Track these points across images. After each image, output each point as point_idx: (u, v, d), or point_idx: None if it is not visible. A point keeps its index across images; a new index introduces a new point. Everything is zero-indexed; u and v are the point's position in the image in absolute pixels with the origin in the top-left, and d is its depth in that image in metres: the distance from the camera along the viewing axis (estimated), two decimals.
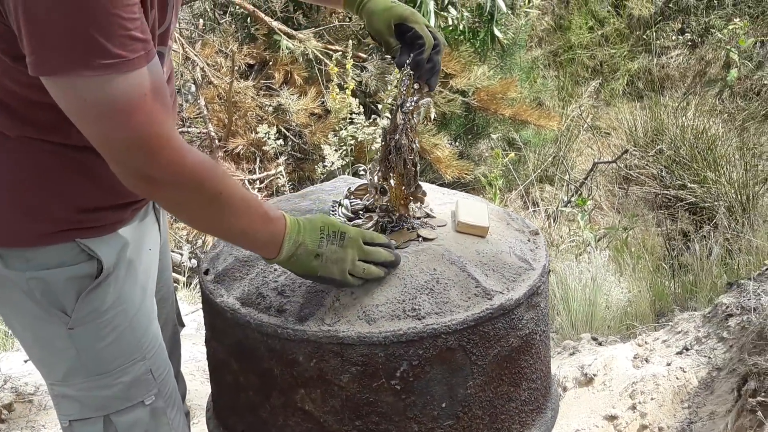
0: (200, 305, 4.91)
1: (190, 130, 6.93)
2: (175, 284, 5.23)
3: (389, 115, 5.11)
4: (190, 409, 3.01)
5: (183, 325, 2.09)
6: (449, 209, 1.91)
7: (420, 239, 1.79)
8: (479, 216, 1.84)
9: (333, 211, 1.86)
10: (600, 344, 3.32)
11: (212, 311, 1.81)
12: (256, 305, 1.71)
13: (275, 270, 1.74)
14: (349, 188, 1.92)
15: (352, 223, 1.80)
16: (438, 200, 1.95)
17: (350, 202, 1.86)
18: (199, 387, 3.24)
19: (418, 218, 1.85)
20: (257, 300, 1.72)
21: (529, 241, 1.91)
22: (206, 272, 1.87)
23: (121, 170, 1.42)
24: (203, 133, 6.63)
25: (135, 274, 1.68)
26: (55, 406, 1.73)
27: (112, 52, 1.29)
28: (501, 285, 1.73)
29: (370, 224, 1.79)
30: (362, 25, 6.76)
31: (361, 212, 1.83)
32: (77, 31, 1.27)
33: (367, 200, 1.85)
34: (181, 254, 5.47)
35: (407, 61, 1.72)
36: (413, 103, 1.72)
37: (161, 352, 1.75)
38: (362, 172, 1.78)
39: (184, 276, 5.36)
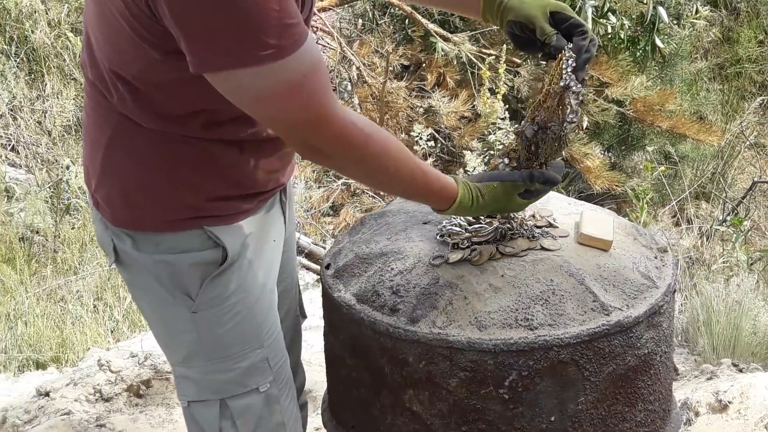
0: (322, 303, 5.01)
1: None
2: (318, 276, 5.34)
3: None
4: (315, 399, 3.08)
5: (305, 317, 2.13)
6: (573, 220, 1.87)
7: (539, 248, 1.76)
8: (603, 229, 1.80)
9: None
10: (740, 371, 3.18)
11: (330, 306, 1.84)
12: (371, 302, 1.73)
13: (392, 269, 1.76)
14: None
15: (472, 227, 1.79)
16: (563, 210, 1.91)
17: None
18: (325, 378, 3.28)
19: (540, 227, 1.82)
20: (372, 297, 1.74)
21: (656, 258, 1.85)
22: (327, 267, 1.90)
23: (291, 144, 1.58)
24: None
25: (258, 264, 1.72)
26: (176, 386, 1.80)
27: (268, 43, 1.33)
28: (620, 301, 1.68)
29: (490, 229, 1.77)
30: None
31: (482, 218, 1.82)
32: (233, 29, 1.32)
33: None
34: (324, 248, 5.57)
35: (568, 45, 1.67)
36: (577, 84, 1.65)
37: (279, 342, 1.79)
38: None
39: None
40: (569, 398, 1.64)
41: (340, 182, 6.24)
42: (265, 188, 1.71)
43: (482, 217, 1.82)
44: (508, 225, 1.79)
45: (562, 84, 1.63)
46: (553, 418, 1.64)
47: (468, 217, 1.82)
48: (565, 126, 1.67)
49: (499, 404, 1.63)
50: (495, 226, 1.78)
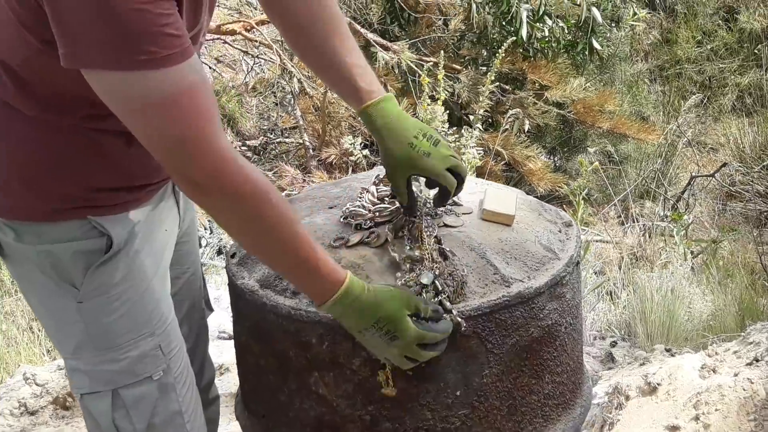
0: (228, 292, 4.98)
1: (287, 140, 7.06)
2: None
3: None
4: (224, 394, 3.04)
5: (212, 310, 2.11)
6: (478, 198, 1.87)
7: (442, 225, 1.76)
8: (506, 204, 1.80)
9: (360, 196, 1.85)
10: (672, 355, 3.20)
11: (235, 294, 1.83)
12: (274, 287, 1.72)
13: None
14: (378, 175, 1.91)
15: (375, 208, 1.78)
16: (468, 189, 1.91)
17: (377, 189, 1.85)
18: None
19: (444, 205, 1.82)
20: (275, 282, 1.72)
21: (560, 231, 1.86)
22: (233, 255, 1.89)
23: (170, 175, 1.46)
24: (299, 143, 6.74)
25: (146, 253, 1.70)
26: (69, 379, 1.77)
27: (142, 49, 1.30)
28: (521, 273, 1.68)
29: (392, 209, 1.77)
30: (457, 37, 6.76)
31: (386, 198, 1.82)
32: (106, 26, 1.28)
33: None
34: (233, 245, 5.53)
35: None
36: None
37: (173, 329, 1.76)
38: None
39: None
40: (474, 372, 1.63)
41: (284, 193, 6.21)
42: (153, 179, 1.68)
43: (387, 198, 1.82)
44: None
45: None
46: (458, 393, 1.63)
47: (373, 199, 1.81)
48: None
49: (403, 381, 1.62)
50: (397, 205, 1.78)
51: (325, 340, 1.63)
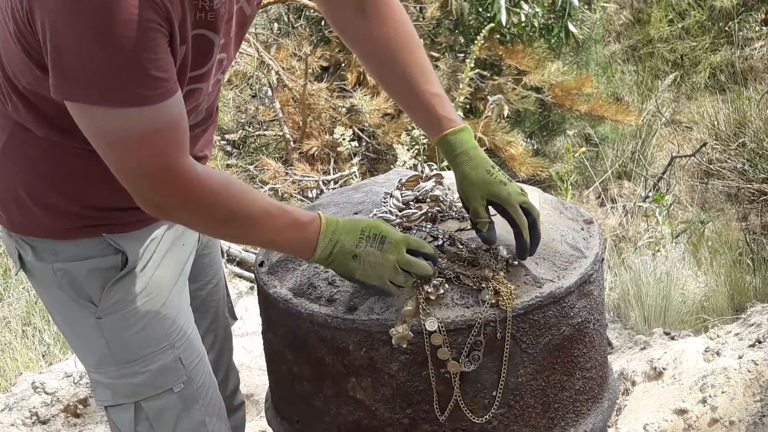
0: (258, 301, 4.99)
1: (266, 133, 7.04)
2: (252, 284, 5.31)
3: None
4: (257, 402, 3.07)
5: (236, 318, 2.13)
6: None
7: (470, 228, 1.78)
8: None
9: (384, 202, 1.87)
10: (672, 338, 3.26)
11: (266, 302, 1.85)
12: (308, 295, 1.74)
13: None
14: (401, 179, 1.93)
15: (402, 213, 1.80)
16: None
17: (401, 194, 1.87)
18: (266, 381, 3.28)
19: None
20: (308, 290, 1.74)
21: (582, 229, 1.89)
22: (261, 264, 1.90)
23: (134, 196, 1.50)
24: (279, 135, 6.73)
25: (164, 268, 1.74)
26: (93, 392, 1.80)
27: (128, 89, 1.36)
28: (551, 273, 1.72)
29: (420, 213, 1.79)
30: (434, 25, 6.77)
31: (411, 202, 1.84)
32: (99, 67, 1.33)
33: (418, 191, 1.86)
34: (256, 254, 5.53)
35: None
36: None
37: (193, 341, 1.79)
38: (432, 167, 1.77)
39: None
40: (509, 372, 1.66)
41: (267, 187, 6.21)
42: None
43: (412, 203, 1.84)
44: (438, 208, 1.81)
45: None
46: (494, 393, 1.67)
47: (398, 204, 1.84)
48: None
49: (441, 384, 1.65)
50: (425, 210, 1.80)
51: (362, 347, 1.66)
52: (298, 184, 6.29)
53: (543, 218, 1.84)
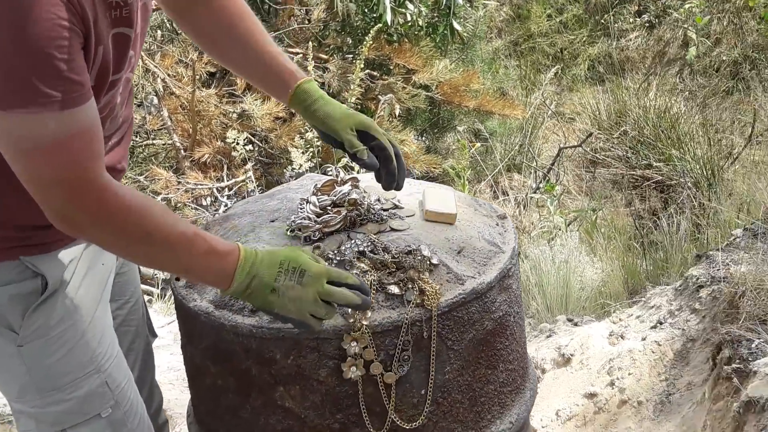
0: (175, 316, 4.92)
1: (155, 142, 6.91)
2: (149, 296, 5.21)
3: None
4: (171, 418, 3.01)
5: (155, 336, 2.09)
6: (417, 199, 1.92)
7: (389, 230, 1.80)
8: (446, 203, 1.86)
9: (301, 208, 1.86)
10: (576, 325, 3.35)
11: (186, 316, 1.81)
12: (230, 307, 1.72)
13: None
14: (316, 185, 1.93)
15: (321, 219, 1.80)
16: (405, 190, 1.96)
17: (318, 199, 1.87)
18: (179, 395, 3.23)
19: (386, 210, 1.86)
20: (230, 302, 1.72)
21: (497, 225, 1.93)
22: (177, 278, 1.87)
23: (44, 209, 1.43)
24: (168, 144, 6.61)
25: (85, 290, 1.68)
26: (15, 422, 1.73)
27: (43, 91, 1.29)
28: (472, 270, 1.74)
29: (339, 218, 1.79)
30: (321, 27, 6.77)
31: (329, 208, 1.84)
32: (8, 68, 1.26)
33: (335, 195, 1.86)
34: None
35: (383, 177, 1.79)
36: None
37: (119, 364, 1.75)
38: (329, 170, 1.77)
39: (158, 288, 5.34)
40: (437, 370, 1.68)
41: (159, 198, 6.10)
42: None
43: (329, 208, 1.84)
44: (357, 212, 1.81)
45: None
46: (423, 392, 1.68)
47: (316, 209, 1.83)
48: None
49: (371, 386, 1.65)
50: (344, 214, 1.80)
51: (290, 355, 1.65)
52: (192, 193, 6.20)
53: (459, 216, 1.87)
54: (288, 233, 1.81)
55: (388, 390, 1.65)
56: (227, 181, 6.19)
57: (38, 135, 1.32)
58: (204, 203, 6.25)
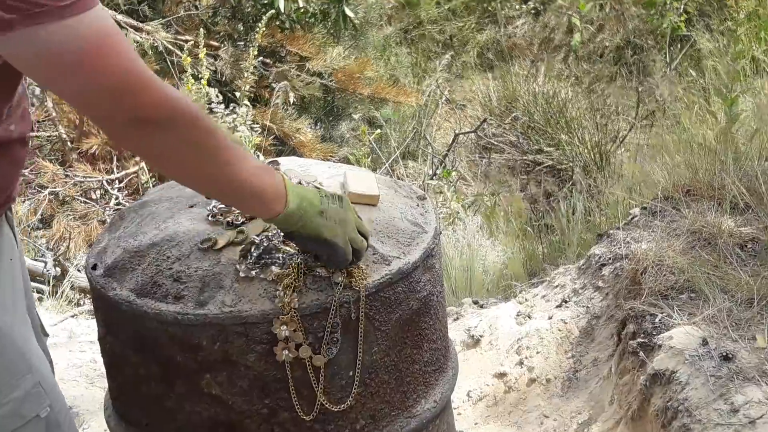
0: (69, 313, 4.77)
1: (39, 134, 6.67)
2: (39, 294, 5.04)
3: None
4: (78, 415, 2.93)
5: (47, 335, 2.00)
6: (338, 181, 1.91)
7: None
8: (369, 185, 1.86)
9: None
10: (481, 307, 3.40)
11: (105, 306, 1.76)
12: (152, 294, 1.68)
13: (168, 257, 1.71)
14: None
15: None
16: (326, 174, 1.95)
17: None
18: (84, 392, 3.14)
19: None
20: (153, 289, 1.68)
21: (417, 206, 1.94)
22: (94, 267, 1.81)
23: (110, 124, 1.34)
24: (54, 135, 6.39)
25: (4, 286, 1.60)
26: None
27: None
28: (397, 250, 1.75)
29: None
30: (210, 14, 6.67)
31: None
32: None
33: None
34: (45, 262, 5.26)
35: None
36: None
37: (45, 363, 1.68)
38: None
39: (49, 285, 5.17)
40: (365, 351, 1.68)
41: (46, 192, 5.91)
42: None
43: None
44: None
45: None
46: (351, 373, 1.68)
47: None
48: None
49: (300, 369, 1.64)
50: None
51: (216, 341, 1.62)
52: (80, 186, 6.02)
53: (381, 197, 1.87)
54: (210, 218, 1.78)
55: (316, 373, 1.65)
56: (117, 173, 6.04)
57: (79, 41, 1.23)
58: (94, 197, 6.08)
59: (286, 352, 1.60)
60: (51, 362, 1.98)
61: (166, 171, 1.50)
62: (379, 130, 5.85)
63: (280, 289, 1.61)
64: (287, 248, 1.67)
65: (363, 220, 1.76)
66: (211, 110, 5.08)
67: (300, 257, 1.65)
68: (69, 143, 6.19)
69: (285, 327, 1.60)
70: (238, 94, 5.56)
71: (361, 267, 1.65)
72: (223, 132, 1.43)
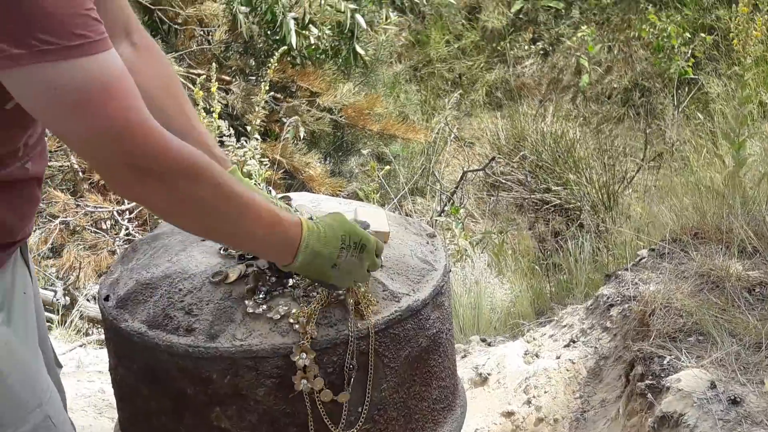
0: (77, 342, 4.78)
1: (51, 164, 6.72)
2: (49, 324, 5.06)
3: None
4: None
5: (61, 366, 2.00)
6: (349, 217, 1.93)
7: None
8: (379, 222, 1.87)
9: None
10: (489, 345, 3.41)
11: (117, 338, 1.77)
12: (164, 327, 1.69)
13: (180, 290, 1.72)
14: None
15: None
16: (337, 210, 1.97)
17: None
18: (93, 422, 3.14)
19: None
20: (164, 321, 1.69)
21: (427, 243, 1.95)
22: (106, 298, 1.83)
23: (108, 170, 1.34)
24: (65, 165, 6.44)
25: (16, 320, 1.60)
26: None
27: (75, 33, 1.22)
28: (407, 287, 1.76)
29: None
30: (223, 48, 6.73)
31: None
32: (32, 12, 1.19)
33: None
34: (55, 291, 5.28)
35: None
36: None
37: (56, 396, 1.67)
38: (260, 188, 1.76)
39: (58, 314, 5.18)
40: (374, 387, 1.69)
41: (57, 221, 5.94)
42: (15, 238, 1.59)
43: None
44: None
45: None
46: (360, 409, 1.69)
47: None
48: None
49: (309, 405, 1.65)
50: None
51: (227, 374, 1.63)
52: (91, 216, 6.05)
53: (392, 234, 1.89)
54: (221, 251, 1.80)
55: (326, 407, 1.65)
56: (128, 204, 6.07)
57: (84, 82, 1.24)
58: (104, 227, 6.11)
59: (305, 381, 1.60)
60: (64, 394, 1.99)
61: (172, 223, 1.54)
62: (388, 166, 5.88)
63: (303, 316, 1.62)
64: (299, 281, 1.69)
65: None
66: (222, 143, 5.12)
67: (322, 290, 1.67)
68: (80, 173, 6.24)
69: (305, 355, 1.60)
70: (248, 127, 5.60)
71: (368, 296, 1.67)
72: (233, 184, 1.43)
